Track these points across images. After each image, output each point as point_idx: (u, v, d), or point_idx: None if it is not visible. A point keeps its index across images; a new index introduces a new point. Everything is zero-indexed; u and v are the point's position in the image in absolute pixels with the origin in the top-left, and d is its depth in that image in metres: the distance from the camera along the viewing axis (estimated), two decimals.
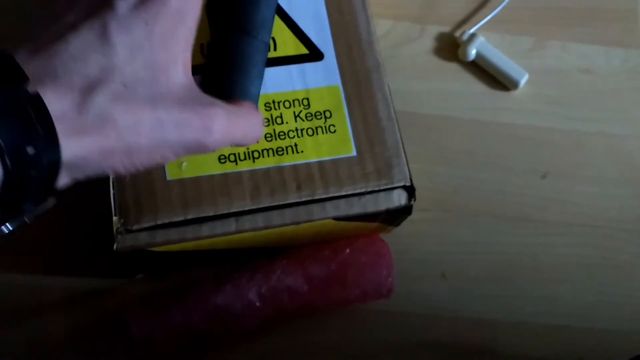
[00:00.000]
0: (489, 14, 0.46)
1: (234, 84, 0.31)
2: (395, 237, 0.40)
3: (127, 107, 0.24)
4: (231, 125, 0.27)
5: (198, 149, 0.26)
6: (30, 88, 0.22)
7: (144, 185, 0.32)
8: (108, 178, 0.32)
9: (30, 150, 0.21)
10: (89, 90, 0.23)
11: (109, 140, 0.24)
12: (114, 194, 0.31)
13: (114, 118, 0.24)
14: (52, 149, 0.22)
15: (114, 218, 0.31)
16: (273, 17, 0.34)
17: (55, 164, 0.22)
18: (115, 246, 0.31)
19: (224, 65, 0.32)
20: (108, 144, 0.24)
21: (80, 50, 0.23)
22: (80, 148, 0.23)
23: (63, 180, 0.24)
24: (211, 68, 0.32)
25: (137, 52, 0.24)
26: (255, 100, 0.32)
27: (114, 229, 0.31)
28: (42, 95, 0.22)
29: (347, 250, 0.37)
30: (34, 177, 0.22)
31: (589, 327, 0.41)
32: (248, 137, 0.29)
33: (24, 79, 0.22)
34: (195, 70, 0.33)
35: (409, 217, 0.36)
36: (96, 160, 0.24)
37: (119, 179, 0.32)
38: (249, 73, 0.32)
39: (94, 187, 0.35)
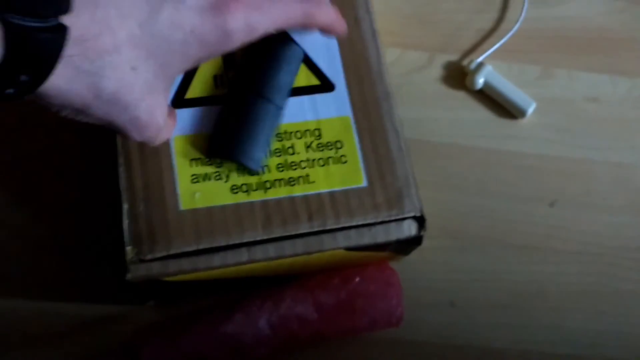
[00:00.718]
0: (496, 43, 0.46)
1: (240, 145, 0.32)
2: (404, 265, 0.40)
3: (183, 15, 0.27)
4: None
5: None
6: None
7: (156, 215, 0.32)
8: (121, 207, 0.32)
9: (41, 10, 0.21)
10: (156, 5, 0.26)
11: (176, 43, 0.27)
12: (127, 223, 0.32)
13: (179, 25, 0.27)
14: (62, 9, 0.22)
15: (127, 248, 0.31)
16: (292, 82, 0.35)
17: (62, 30, 0.22)
18: (128, 276, 0.31)
19: (234, 126, 0.33)
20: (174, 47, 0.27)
21: None
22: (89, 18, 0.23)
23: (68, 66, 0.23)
24: (222, 128, 0.33)
25: None
26: (258, 164, 0.33)
27: (127, 259, 0.31)
28: None
29: (357, 279, 0.38)
30: (40, 39, 0.22)
31: (596, 356, 0.41)
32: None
33: None
34: (207, 101, 0.34)
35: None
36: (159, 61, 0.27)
37: (132, 209, 0.32)
38: (257, 136, 0.32)
39: (105, 214, 0.36)
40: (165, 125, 0.29)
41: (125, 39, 0.25)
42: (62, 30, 0.22)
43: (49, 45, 0.22)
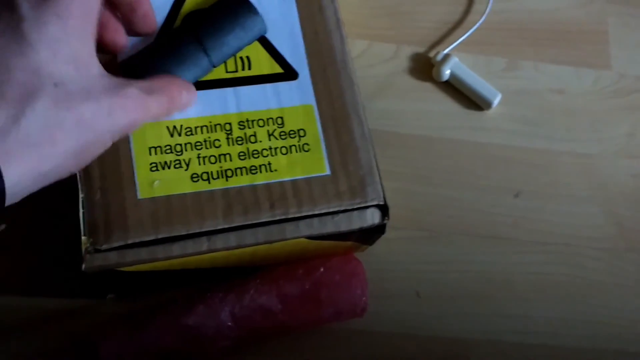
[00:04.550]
0: (463, 34, 0.47)
1: (153, 71, 0.31)
2: (370, 256, 0.40)
3: (68, 106, 0.24)
4: (146, 101, 0.28)
5: (128, 129, 0.28)
6: None
7: (114, 204, 0.31)
8: (77, 196, 0.31)
9: None
10: (23, 98, 0.22)
11: (59, 145, 0.23)
12: (83, 213, 0.31)
13: (59, 121, 0.23)
14: None
15: (83, 238, 0.30)
16: (236, 49, 0.34)
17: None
18: (83, 266, 0.30)
19: (158, 54, 0.32)
20: (58, 150, 0.23)
21: None
22: (26, 163, 0.22)
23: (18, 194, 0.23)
24: (147, 52, 0.33)
25: (56, 46, 0.24)
26: None
27: (83, 249, 0.30)
28: None
29: (321, 270, 0.37)
30: None
31: (562, 346, 0.41)
32: (171, 108, 0.30)
33: None
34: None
35: (384, 236, 0.36)
36: (46, 171, 0.24)
37: (89, 198, 0.31)
38: (174, 73, 0.32)
39: (64, 205, 0.35)
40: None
41: None
42: None
43: None
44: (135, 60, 0.32)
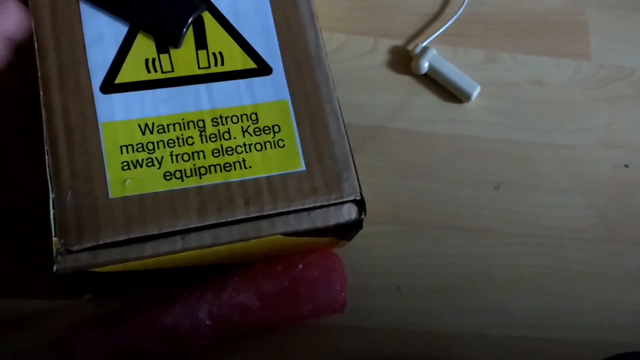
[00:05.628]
0: (441, 27, 0.46)
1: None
2: (350, 251, 0.40)
3: None
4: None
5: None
6: None
7: (85, 204, 0.31)
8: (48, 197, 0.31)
9: None
10: None
11: None
12: (53, 213, 0.31)
13: None
14: None
15: (54, 239, 0.30)
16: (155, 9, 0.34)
17: None
18: (55, 268, 0.30)
19: None
20: None
21: None
22: None
23: None
24: None
25: None
26: None
27: (54, 250, 0.30)
28: None
29: (300, 266, 0.37)
30: None
31: (545, 338, 0.41)
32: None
33: None
34: (138, 86, 0.33)
35: (364, 231, 0.36)
36: None
37: (59, 198, 0.31)
38: None
39: (36, 205, 0.34)
40: None
41: None
42: None
43: None
44: None
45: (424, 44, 0.46)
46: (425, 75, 0.46)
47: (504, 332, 0.41)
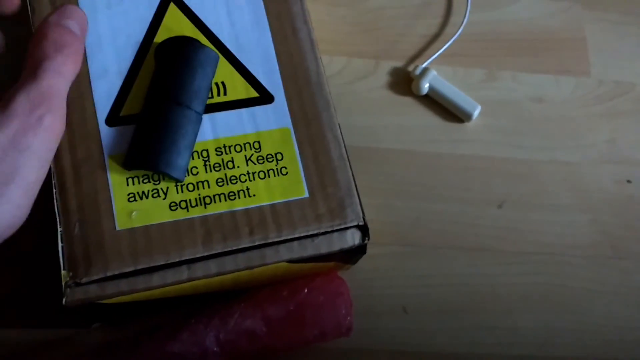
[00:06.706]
0: (440, 47, 0.47)
1: (160, 154, 0.32)
2: (355, 273, 0.40)
3: None
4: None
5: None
6: None
7: (92, 237, 0.31)
8: (54, 231, 0.31)
9: None
10: None
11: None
12: (62, 246, 0.31)
13: None
14: None
15: (63, 272, 0.31)
16: (209, 87, 0.34)
17: None
18: (64, 300, 0.30)
19: (152, 135, 0.32)
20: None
21: None
22: None
23: None
24: (138, 139, 0.33)
25: None
26: (182, 172, 0.33)
27: (63, 283, 0.30)
28: None
29: (305, 290, 0.37)
30: None
31: (551, 356, 0.41)
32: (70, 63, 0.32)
33: None
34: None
35: (368, 252, 0.36)
36: None
37: (67, 231, 0.31)
38: (177, 143, 0.32)
39: (46, 238, 0.35)
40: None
41: None
42: None
43: None
44: (138, 155, 0.32)
45: (424, 65, 0.46)
46: (426, 96, 0.46)
47: (510, 351, 0.41)
